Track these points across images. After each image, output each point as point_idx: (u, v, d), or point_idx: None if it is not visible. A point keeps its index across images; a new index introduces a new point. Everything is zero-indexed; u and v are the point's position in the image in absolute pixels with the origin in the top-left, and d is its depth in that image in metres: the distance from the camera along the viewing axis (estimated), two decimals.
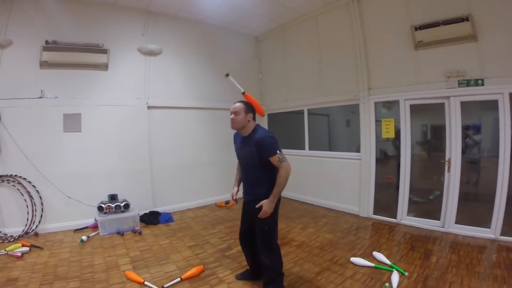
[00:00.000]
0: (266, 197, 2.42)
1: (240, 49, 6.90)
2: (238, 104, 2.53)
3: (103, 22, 4.90)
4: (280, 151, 2.40)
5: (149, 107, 5.36)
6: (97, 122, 4.83)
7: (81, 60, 4.61)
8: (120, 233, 4.36)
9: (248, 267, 3.02)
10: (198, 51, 6.09)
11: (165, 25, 5.59)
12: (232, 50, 6.64)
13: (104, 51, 4.81)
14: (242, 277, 3.01)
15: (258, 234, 2.57)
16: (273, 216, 2.49)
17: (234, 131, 2.75)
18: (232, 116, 2.52)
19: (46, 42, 4.41)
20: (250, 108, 2.56)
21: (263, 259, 2.58)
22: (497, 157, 3.73)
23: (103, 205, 4.45)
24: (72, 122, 4.61)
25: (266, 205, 2.40)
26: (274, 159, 2.39)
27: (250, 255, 2.86)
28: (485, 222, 3.85)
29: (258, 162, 2.46)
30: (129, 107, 5.14)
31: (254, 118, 2.59)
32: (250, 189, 2.62)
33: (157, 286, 2.80)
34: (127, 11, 5.12)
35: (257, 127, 2.58)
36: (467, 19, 3.75)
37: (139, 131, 5.24)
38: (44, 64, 4.42)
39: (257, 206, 2.43)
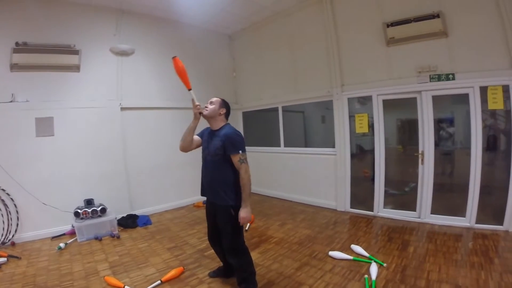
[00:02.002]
0: (228, 201, 2.45)
1: (214, 48, 6.89)
2: (215, 98, 2.67)
3: (74, 22, 4.76)
4: (243, 151, 2.43)
5: (122, 109, 5.26)
6: (70, 125, 4.70)
7: (52, 62, 4.48)
8: (98, 238, 4.27)
9: (221, 264, 3.03)
10: (171, 50, 5.89)
11: (138, 25, 5.51)
12: (206, 49, 6.64)
13: (76, 52, 4.68)
14: (215, 274, 3.04)
15: (223, 236, 2.58)
16: (236, 219, 2.45)
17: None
18: (207, 105, 2.63)
19: (16, 43, 4.26)
20: (225, 104, 2.68)
21: (231, 261, 2.61)
22: (469, 148, 3.85)
23: (79, 211, 4.35)
24: (44, 126, 4.47)
25: (243, 213, 2.40)
26: (235, 158, 2.41)
27: (221, 253, 2.86)
28: (460, 211, 3.97)
29: (221, 159, 2.48)
30: (102, 109, 5.03)
31: (226, 116, 2.69)
32: (210, 188, 2.60)
33: None
34: (99, 10, 5.00)
35: (228, 124, 2.65)
36: (438, 16, 3.85)
37: (113, 133, 5.15)
38: (14, 67, 4.27)
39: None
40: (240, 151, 2.40)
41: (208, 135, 2.68)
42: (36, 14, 4.42)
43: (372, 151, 4.74)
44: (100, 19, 5.05)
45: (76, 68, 4.75)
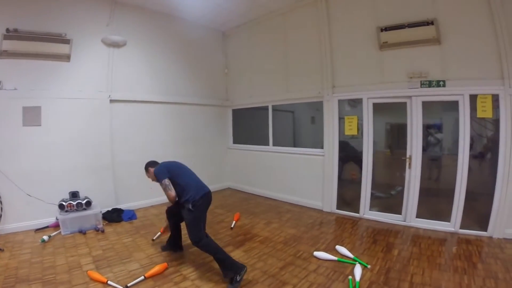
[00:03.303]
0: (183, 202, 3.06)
1: (207, 44, 6.88)
2: (146, 174, 3.46)
3: (66, 11, 4.67)
4: (163, 180, 3.04)
5: (111, 101, 5.19)
6: (57, 116, 4.62)
7: (42, 50, 4.39)
8: (82, 232, 4.22)
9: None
10: (164, 44, 5.98)
11: (131, 16, 5.44)
12: (199, 44, 6.63)
13: (67, 41, 4.59)
14: (165, 248, 3.59)
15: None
16: (188, 215, 2.97)
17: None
18: (148, 178, 3.45)
19: (7, 30, 4.16)
20: (149, 166, 3.40)
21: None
22: (457, 154, 3.90)
23: (64, 203, 4.28)
24: (31, 115, 4.38)
25: None
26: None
27: (171, 225, 3.52)
28: (445, 216, 4.03)
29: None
30: (91, 101, 4.96)
31: (154, 166, 3.32)
32: None
33: (120, 286, 2.74)
34: None
35: (154, 169, 3.26)
36: (432, 23, 3.89)
37: (101, 126, 5.08)
38: (3, 54, 4.16)
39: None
40: (161, 181, 3.07)
41: None
42: (28, 1, 4.32)
43: (360, 153, 4.76)
44: (93, 9, 4.96)
45: (66, 57, 4.66)
